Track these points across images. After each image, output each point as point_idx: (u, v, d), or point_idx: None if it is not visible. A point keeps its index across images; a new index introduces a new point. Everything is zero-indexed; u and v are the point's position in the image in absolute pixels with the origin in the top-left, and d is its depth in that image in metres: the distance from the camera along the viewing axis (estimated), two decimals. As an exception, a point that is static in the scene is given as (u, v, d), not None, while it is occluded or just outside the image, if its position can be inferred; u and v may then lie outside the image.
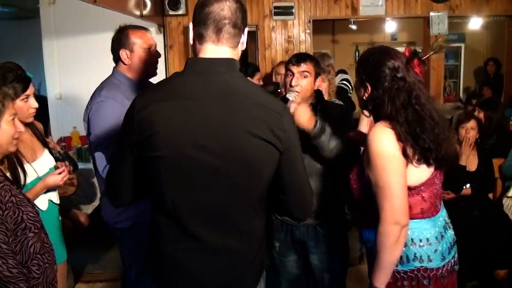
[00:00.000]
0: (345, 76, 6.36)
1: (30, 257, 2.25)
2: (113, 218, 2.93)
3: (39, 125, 3.03)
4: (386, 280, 2.19)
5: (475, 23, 7.84)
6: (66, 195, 3.25)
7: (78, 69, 6.33)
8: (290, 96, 2.88)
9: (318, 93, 3.07)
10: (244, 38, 1.85)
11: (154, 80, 2.97)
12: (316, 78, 2.99)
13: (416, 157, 2.14)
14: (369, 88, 2.27)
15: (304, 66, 2.93)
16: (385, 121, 2.18)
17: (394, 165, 2.11)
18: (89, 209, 4.64)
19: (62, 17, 6.42)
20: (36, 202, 2.69)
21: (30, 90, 2.71)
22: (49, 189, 2.85)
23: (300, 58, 2.98)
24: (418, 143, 2.13)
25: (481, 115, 4.90)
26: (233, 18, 1.77)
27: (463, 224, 4.16)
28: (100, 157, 2.76)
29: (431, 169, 2.22)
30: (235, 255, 1.88)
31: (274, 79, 5.60)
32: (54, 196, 2.94)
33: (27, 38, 8.46)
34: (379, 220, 2.13)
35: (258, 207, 1.89)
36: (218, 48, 1.79)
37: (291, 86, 2.94)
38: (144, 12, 5.52)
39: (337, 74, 6.37)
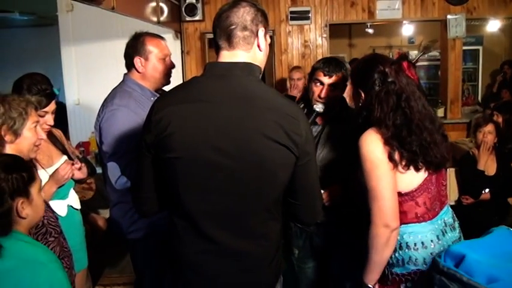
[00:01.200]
0: None
1: None
2: (124, 228, 2.87)
3: (58, 132, 3.03)
4: (376, 278, 2.26)
5: (493, 26, 7.78)
6: (84, 200, 3.27)
7: (96, 75, 6.40)
8: (317, 107, 2.82)
9: (342, 100, 2.99)
10: (260, 40, 1.85)
11: (168, 88, 2.98)
12: (344, 86, 2.90)
13: (403, 162, 2.16)
14: (362, 95, 2.30)
15: (335, 78, 2.81)
16: (375, 126, 2.20)
17: (382, 170, 2.14)
18: (106, 213, 4.66)
19: (80, 24, 6.49)
20: (54, 208, 2.67)
21: (51, 107, 2.70)
22: (66, 193, 2.82)
23: (331, 69, 2.80)
24: (404, 147, 2.15)
25: (500, 119, 4.85)
26: (240, 22, 1.79)
27: (482, 230, 4.14)
28: (114, 167, 2.71)
29: (424, 174, 2.23)
30: (250, 259, 1.88)
31: (288, 84, 5.59)
32: (73, 201, 2.90)
33: (45, 45, 8.55)
34: (369, 222, 2.18)
35: (274, 210, 1.89)
36: (232, 53, 1.82)
37: (319, 97, 2.83)
38: (161, 19, 5.56)
39: None
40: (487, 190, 4.36)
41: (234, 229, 1.84)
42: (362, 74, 2.32)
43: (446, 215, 2.35)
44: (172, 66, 2.91)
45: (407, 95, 2.20)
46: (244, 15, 1.80)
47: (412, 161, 2.17)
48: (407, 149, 2.15)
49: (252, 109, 1.74)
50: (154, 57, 2.80)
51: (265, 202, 1.83)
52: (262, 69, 1.92)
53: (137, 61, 2.79)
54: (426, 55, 9.93)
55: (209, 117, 1.74)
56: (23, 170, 1.91)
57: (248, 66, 1.83)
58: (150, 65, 2.80)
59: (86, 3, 3.83)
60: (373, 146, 2.16)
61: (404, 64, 2.28)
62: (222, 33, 1.82)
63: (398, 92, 2.20)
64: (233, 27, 1.80)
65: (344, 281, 3.06)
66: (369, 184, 2.16)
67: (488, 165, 4.38)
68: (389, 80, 2.22)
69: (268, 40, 1.93)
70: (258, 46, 1.85)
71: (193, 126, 1.75)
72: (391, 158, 2.14)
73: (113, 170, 2.71)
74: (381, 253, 2.18)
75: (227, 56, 1.83)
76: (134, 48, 2.80)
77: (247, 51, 1.83)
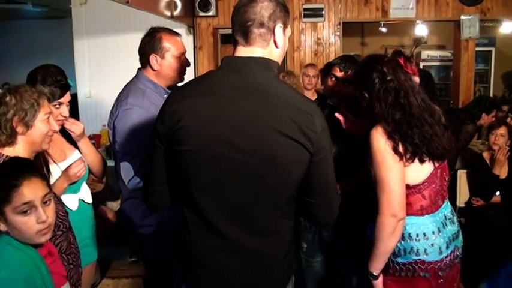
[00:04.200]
0: None
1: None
2: (136, 222, 2.85)
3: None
4: (381, 267, 2.35)
5: (506, 27, 7.72)
6: (94, 192, 3.27)
7: (108, 68, 6.43)
8: (332, 102, 2.90)
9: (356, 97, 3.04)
10: (278, 36, 1.82)
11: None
12: None
13: (408, 154, 2.25)
14: (366, 96, 2.40)
15: (350, 74, 2.88)
16: (379, 122, 2.30)
17: (391, 161, 2.23)
18: (115, 205, 4.68)
19: (93, 17, 6.53)
20: (65, 201, 2.67)
21: (66, 98, 2.66)
22: (78, 188, 2.81)
23: (347, 65, 2.91)
24: (407, 140, 2.25)
25: (514, 121, 4.84)
26: (257, 18, 1.77)
27: (491, 232, 4.13)
28: (127, 167, 2.68)
29: (430, 168, 2.32)
30: (261, 256, 1.87)
31: (301, 80, 5.59)
32: (85, 195, 2.88)
33: (58, 37, 8.60)
34: (377, 212, 2.26)
35: (287, 209, 1.87)
36: (249, 50, 1.81)
37: (334, 91, 2.91)
38: (175, 13, 5.55)
39: None
40: (498, 193, 4.34)
41: (244, 226, 1.82)
42: (362, 76, 2.43)
43: (446, 209, 2.44)
44: (188, 64, 2.86)
45: (406, 91, 2.31)
46: (261, 11, 1.78)
47: (415, 153, 2.26)
48: (409, 142, 2.25)
49: (267, 104, 1.73)
50: (170, 55, 2.74)
51: (277, 199, 1.81)
52: (280, 64, 1.91)
53: (153, 59, 2.74)
54: (426, 55, 9.92)
55: (223, 112, 1.73)
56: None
57: (264, 61, 1.81)
58: (165, 63, 2.75)
59: (100, -4, 3.83)
60: (380, 139, 2.26)
61: (401, 60, 2.40)
62: (239, 28, 1.80)
63: (397, 88, 2.31)
64: (250, 23, 1.78)
65: (351, 276, 3.08)
66: (378, 175, 2.25)
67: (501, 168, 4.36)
68: (388, 78, 2.32)
69: (288, 33, 1.91)
70: (275, 42, 1.83)
71: (207, 119, 1.74)
72: (395, 150, 2.24)
73: (126, 170, 2.69)
74: (387, 242, 2.26)
75: (243, 51, 1.82)
76: (150, 45, 2.74)
77: (264, 47, 1.82)
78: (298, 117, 1.73)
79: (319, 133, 1.76)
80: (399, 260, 2.36)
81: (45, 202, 1.91)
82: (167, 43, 2.74)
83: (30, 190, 1.86)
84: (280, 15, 1.81)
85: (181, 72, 2.82)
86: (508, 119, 4.88)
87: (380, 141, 2.25)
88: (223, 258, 1.86)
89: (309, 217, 2.06)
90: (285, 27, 1.85)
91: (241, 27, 1.80)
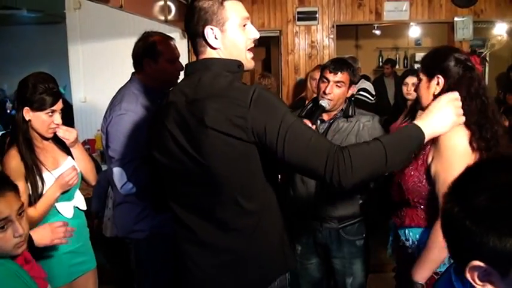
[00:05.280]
0: (364, 85, 6.19)
1: None
2: (129, 227, 2.86)
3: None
4: (428, 276, 2.18)
5: (500, 29, 7.74)
6: (88, 197, 3.27)
7: (102, 73, 6.42)
8: (323, 102, 2.92)
9: (350, 100, 3.09)
10: (210, 39, 1.82)
11: None
12: (350, 86, 3.01)
13: (477, 153, 2.13)
14: (442, 80, 2.25)
15: (340, 76, 2.94)
16: None
17: (464, 161, 1.97)
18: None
19: (87, 22, 6.52)
20: (60, 209, 2.68)
21: (58, 106, 2.64)
22: (72, 195, 2.78)
23: (337, 67, 2.95)
24: (482, 134, 2.14)
25: (506, 123, 4.84)
26: (190, 31, 1.87)
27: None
28: (119, 173, 2.70)
29: None
30: (229, 253, 1.88)
31: (308, 84, 5.61)
32: (79, 202, 2.85)
33: (53, 42, 8.59)
34: (436, 217, 2.10)
35: (247, 205, 1.82)
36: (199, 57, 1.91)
37: (324, 93, 2.94)
38: (169, 17, 5.55)
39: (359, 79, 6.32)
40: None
41: (208, 221, 1.87)
42: (442, 59, 2.27)
43: None
44: (181, 68, 2.81)
45: (484, 85, 2.23)
46: (188, 23, 1.85)
47: (487, 147, 2.14)
48: (483, 137, 2.14)
49: (197, 101, 1.77)
50: (163, 59, 2.76)
51: (229, 195, 1.81)
52: (240, 58, 1.90)
53: (146, 63, 2.76)
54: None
55: (167, 115, 1.85)
56: None
57: (204, 62, 1.88)
58: (159, 67, 2.76)
59: (94, 1, 3.83)
60: (460, 136, 2.14)
61: (474, 58, 2.32)
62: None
63: (480, 79, 2.22)
64: (190, 36, 1.89)
65: (344, 277, 3.10)
66: (450, 175, 1.86)
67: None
68: (470, 64, 2.22)
69: (232, 24, 1.85)
70: (209, 45, 1.85)
71: (161, 124, 1.88)
72: (470, 143, 2.13)
73: (119, 175, 2.70)
74: (443, 250, 2.03)
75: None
76: (144, 49, 2.77)
77: (204, 53, 1.88)
78: (225, 108, 1.72)
79: (251, 117, 1.69)
80: (437, 269, 2.20)
81: (20, 214, 1.88)
82: (160, 47, 2.75)
83: (6, 205, 1.82)
84: (206, 18, 1.81)
85: (175, 77, 2.79)
86: (503, 120, 4.88)
87: (459, 138, 2.13)
88: (197, 255, 1.92)
89: (327, 181, 1.71)
90: (219, 25, 1.82)
91: (190, 41, 1.89)
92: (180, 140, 1.79)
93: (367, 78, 7.14)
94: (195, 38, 1.85)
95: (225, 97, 1.73)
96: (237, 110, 1.69)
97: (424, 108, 2.27)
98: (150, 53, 2.75)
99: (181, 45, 6.77)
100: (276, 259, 1.94)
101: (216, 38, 1.82)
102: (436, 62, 2.30)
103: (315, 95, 5.44)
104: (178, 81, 2.88)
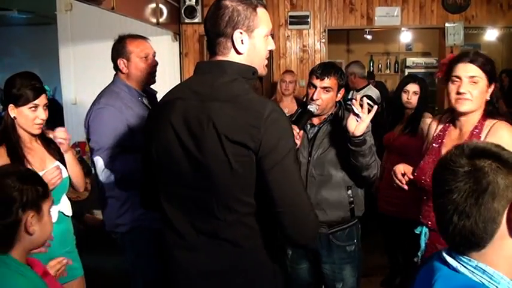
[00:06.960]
0: (369, 92, 6.07)
1: None
2: (112, 221, 2.98)
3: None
4: None
5: (491, 35, 7.80)
6: (79, 200, 3.26)
7: (93, 75, 6.36)
8: (311, 108, 2.91)
9: (340, 104, 3.08)
10: (238, 43, 1.81)
11: (158, 89, 3.17)
12: (339, 90, 2.99)
13: None
14: (492, 87, 2.38)
15: (327, 82, 2.90)
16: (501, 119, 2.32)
17: None
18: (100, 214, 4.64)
19: (78, 24, 6.49)
20: None
21: (41, 100, 2.63)
22: (58, 199, 2.74)
23: (323, 72, 2.93)
24: None
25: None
26: (215, 29, 1.82)
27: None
28: (98, 161, 2.84)
29: None
30: (217, 263, 1.85)
31: (278, 87, 5.72)
32: (65, 208, 2.82)
33: (43, 43, 8.53)
34: None
35: (241, 209, 1.80)
36: (214, 58, 1.88)
37: (311, 99, 2.93)
38: (161, 20, 5.56)
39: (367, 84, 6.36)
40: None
41: (197, 226, 1.86)
42: (494, 68, 2.40)
43: None
44: (155, 63, 3.04)
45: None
46: (218, 20, 1.80)
47: None
48: None
49: (210, 105, 1.76)
50: (135, 57, 2.96)
51: (224, 200, 1.79)
52: (258, 67, 1.90)
53: (120, 63, 2.97)
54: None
55: (175, 113, 1.82)
56: (38, 184, 1.87)
57: (220, 64, 1.84)
58: (132, 65, 2.96)
59: (85, 3, 3.83)
60: None
61: None
62: (207, 39, 1.89)
63: None
64: (211, 35, 1.84)
65: (334, 283, 3.08)
66: None
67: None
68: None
69: (261, 33, 1.86)
70: (235, 50, 1.83)
71: (162, 122, 1.85)
72: None
73: (98, 163, 2.85)
74: None
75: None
76: (117, 50, 2.99)
77: (225, 55, 1.84)
78: (240, 115, 1.72)
79: (264, 130, 1.70)
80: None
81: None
82: (131, 46, 2.97)
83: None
84: (239, 20, 1.79)
85: (150, 73, 3.03)
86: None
87: None
88: (183, 256, 1.90)
89: (281, 232, 1.85)
90: (249, 31, 1.82)
91: (208, 39, 1.87)
92: (183, 137, 1.78)
93: (381, 84, 7.10)
94: (218, 38, 1.81)
95: (241, 104, 1.74)
96: (252, 119, 1.70)
97: (466, 113, 2.39)
98: (122, 52, 2.97)
99: (173, 47, 6.81)
100: (266, 274, 1.91)
101: (242, 42, 1.81)
102: (495, 71, 2.42)
103: (284, 98, 5.57)
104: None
